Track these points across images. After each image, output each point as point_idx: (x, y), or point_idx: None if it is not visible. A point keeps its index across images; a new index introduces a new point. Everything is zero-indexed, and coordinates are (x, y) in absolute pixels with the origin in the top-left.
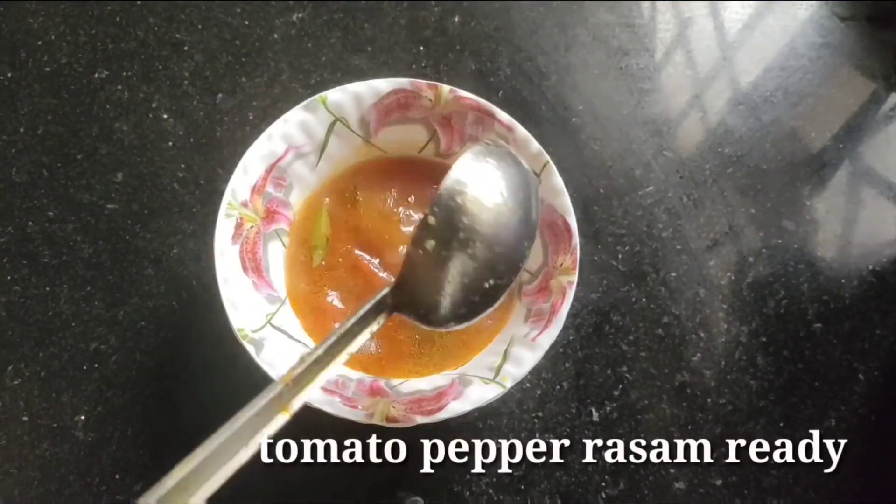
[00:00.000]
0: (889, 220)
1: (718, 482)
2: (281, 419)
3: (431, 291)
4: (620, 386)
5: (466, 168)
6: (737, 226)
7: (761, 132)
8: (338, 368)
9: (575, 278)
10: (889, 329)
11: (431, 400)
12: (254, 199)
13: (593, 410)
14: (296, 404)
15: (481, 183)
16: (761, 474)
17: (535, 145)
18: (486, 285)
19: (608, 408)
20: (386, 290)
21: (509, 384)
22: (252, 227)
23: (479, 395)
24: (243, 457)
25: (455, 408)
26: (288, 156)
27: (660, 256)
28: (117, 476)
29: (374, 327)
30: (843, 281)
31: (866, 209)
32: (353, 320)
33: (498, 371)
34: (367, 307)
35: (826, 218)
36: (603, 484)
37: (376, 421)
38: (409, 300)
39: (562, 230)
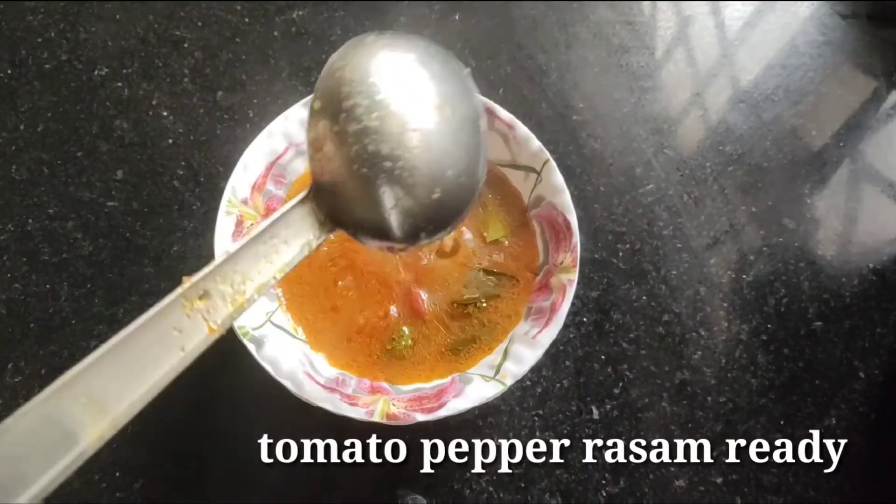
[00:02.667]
0: (890, 218)
1: (719, 480)
2: (205, 334)
3: (358, 201)
4: (621, 384)
5: (365, 51)
6: (737, 224)
7: (762, 130)
8: (268, 283)
9: (575, 276)
10: (889, 328)
11: (432, 398)
12: (254, 197)
13: (594, 408)
14: (222, 321)
15: (384, 72)
16: (761, 472)
17: (536, 143)
18: (433, 196)
19: (608, 406)
20: (302, 195)
21: (510, 382)
22: (252, 224)
23: (479, 392)
24: (161, 375)
25: (455, 405)
26: (288, 153)
27: (660, 254)
28: (117, 473)
29: (312, 242)
30: (843, 279)
31: (867, 207)
32: (269, 220)
33: (498, 369)
34: (283, 209)
35: (827, 216)
36: (603, 482)
37: (377, 419)
38: (338, 212)
39: (562, 228)
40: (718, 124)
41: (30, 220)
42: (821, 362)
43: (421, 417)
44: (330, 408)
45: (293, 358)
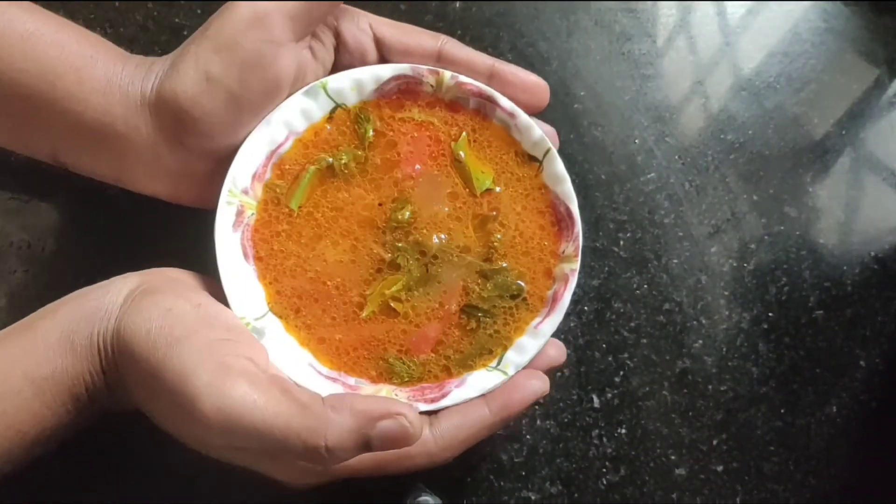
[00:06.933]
0: (892, 207)
1: (719, 468)
2: None
3: None
4: (622, 372)
5: None
6: (739, 212)
7: (764, 118)
8: None
9: (577, 266)
10: (891, 316)
11: (434, 387)
12: (254, 187)
13: (594, 397)
14: None
15: None
16: (762, 461)
17: (538, 131)
18: None
19: (609, 394)
20: None
21: (511, 371)
22: (253, 214)
23: (481, 382)
24: None
25: (458, 395)
26: (288, 142)
27: (661, 243)
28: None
29: None
30: (844, 268)
31: (869, 196)
32: None
33: (500, 359)
34: None
35: (828, 205)
36: (604, 470)
37: None
38: None
39: (564, 217)
40: (720, 112)
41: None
42: (821, 351)
43: (423, 407)
44: None
45: (295, 348)
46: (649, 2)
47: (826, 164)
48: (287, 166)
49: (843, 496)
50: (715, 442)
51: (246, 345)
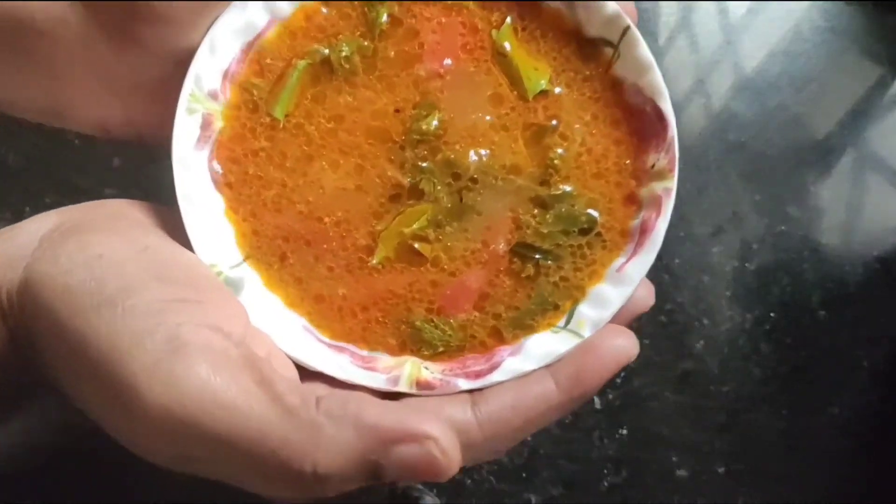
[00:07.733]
0: (894, 206)
1: (721, 470)
2: None
3: None
4: (623, 373)
5: None
6: (741, 212)
7: (766, 117)
8: None
9: (674, 184)
10: (893, 316)
11: (480, 358)
12: (226, 88)
13: (596, 398)
14: None
15: None
16: (764, 462)
17: (612, 6)
18: None
19: (611, 395)
20: None
21: (588, 333)
22: (223, 126)
23: (545, 347)
24: None
25: (512, 366)
26: (271, 30)
27: (663, 243)
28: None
29: None
30: (847, 268)
31: (871, 196)
32: None
33: (571, 315)
34: None
35: (831, 204)
36: (605, 472)
37: (403, 388)
38: None
39: (652, 119)
40: (721, 112)
41: (27, 209)
42: (824, 351)
43: (465, 384)
44: (338, 375)
45: (283, 306)
46: (650, 1)
47: (828, 164)
48: (268, 60)
49: (846, 497)
50: (717, 443)
51: (214, 306)
